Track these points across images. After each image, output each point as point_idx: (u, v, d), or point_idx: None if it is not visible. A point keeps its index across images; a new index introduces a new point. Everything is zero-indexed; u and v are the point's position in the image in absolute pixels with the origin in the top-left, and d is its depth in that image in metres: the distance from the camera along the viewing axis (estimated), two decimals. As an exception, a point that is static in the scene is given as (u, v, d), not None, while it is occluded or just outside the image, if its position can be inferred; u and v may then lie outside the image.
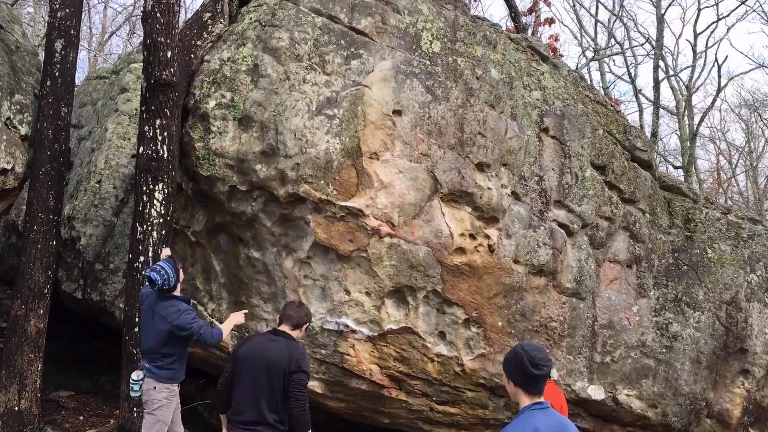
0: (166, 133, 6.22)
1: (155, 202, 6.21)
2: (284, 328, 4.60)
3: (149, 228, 6.19)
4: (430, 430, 7.33)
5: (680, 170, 22.03)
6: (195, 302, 7.01)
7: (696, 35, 23.78)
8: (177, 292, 5.21)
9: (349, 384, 6.74)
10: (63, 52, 7.33)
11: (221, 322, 6.84)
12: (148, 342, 5.19)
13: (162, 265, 5.10)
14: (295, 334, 4.61)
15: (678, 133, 23.02)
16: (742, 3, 22.09)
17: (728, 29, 36.86)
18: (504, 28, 8.35)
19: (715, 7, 30.74)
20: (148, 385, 5.14)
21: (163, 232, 6.26)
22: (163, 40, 6.19)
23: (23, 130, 7.23)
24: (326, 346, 6.55)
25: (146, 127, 6.23)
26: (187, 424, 7.60)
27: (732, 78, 27.06)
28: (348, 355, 6.53)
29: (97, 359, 9.41)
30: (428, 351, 6.56)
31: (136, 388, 5.19)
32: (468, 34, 6.95)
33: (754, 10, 28.84)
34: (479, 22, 7.32)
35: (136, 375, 5.22)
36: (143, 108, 6.34)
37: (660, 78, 21.86)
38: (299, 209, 6.20)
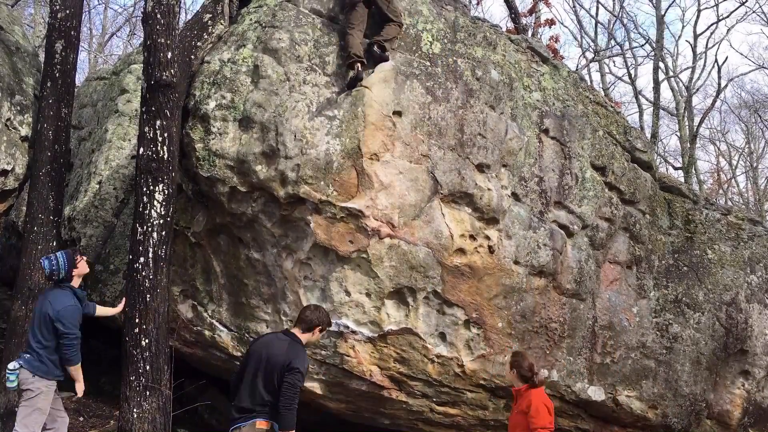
0: (166, 134, 6.22)
1: (155, 203, 6.21)
2: (295, 330, 4.91)
3: (149, 229, 6.19)
4: (429, 431, 7.33)
5: (680, 171, 22.05)
6: (195, 303, 7.01)
7: (696, 36, 23.83)
8: (75, 284, 5.55)
9: (349, 385, 6.74)
10: (63, 53, 7.34)
11: (221, 324, 6.86)
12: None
13: (56, 254, 5.48)
14: (305, 337, 4.87)
15: (678, 134, 23.05)
16: (742, 4, 22.17)
17: (728, 30, 37.01)
18: (504, 29, 8.35)
19: (714, 8, 30.75)
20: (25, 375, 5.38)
21: (163, 233, 6.25)
22: (163, 41, 6.19)
23: (23, 131, 7.24)
24: (326, 347, 6.55)
25: (146, 128, 6.24)
26: (187, 424, 7.61)
27: (732, 79, 26.95)
28: (348, 356, 6.52)
29: (96, 360, 9.41)
30: (428, 352, 6.56)
31: (12, 378, 5.37)
32: (468, 35, 6.95)
33: (754, 12, 28.89)
34: (479, 23, 7.33)
35: (12, 365, 5.41)
36: (143, 109, 6.34)
37: (660, 79, 21.90)
38: (299, 210, 6.21)
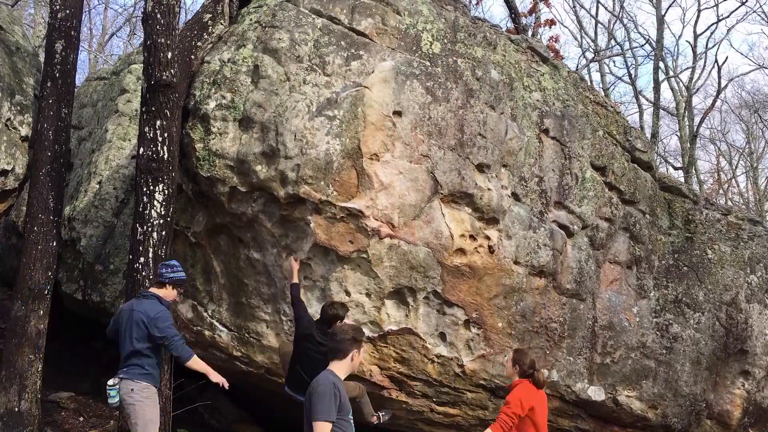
0: (166, 134, 6.22)
1: (155, 203, 6.21)
2: None
3: (149, 229, 6.19)
4: (430, 431, 7.33)
5: (680, 171, 22.05)
6: (195, 303, 7.01)
7: (696, 36, 23.84)
8: (163, 294, 5.37)
9: (348, 385, 6.73)
10: (63, 53, 7.34)
11: (221, 324, 6.86)
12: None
13: (175, 263, 5.50)
14: None
15: (678, 134, 23.05)
16: (743, 4, 22.15)
17: (728, 30, 36.99)
18: (504, 29, 8.35)
19: (715, 8, 30.76)
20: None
21: (164, 233, 6.26)
22: (163, 41, 6.19)
23: (23, 131, 7.25)
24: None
25: (146, 128, 6.24)
26: (187, 424, 7.61)
27: (732, 79, 26.90)
28: (348, 356, 6.52)
29: (97, 360, 9.41)
30: (428, 352, 6.56)
31: (113, 393, 5.15)
32: (468, 35, 6.95)
33: (754, 11, 28.89)
34: (479, 23, 7.32)
35: (111, 381, 5.18)
36: (143, 109, 6.34)
37: (660, 79, 21.88)
38: (299, 210, 6.20)
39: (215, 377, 5.31)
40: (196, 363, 5.28)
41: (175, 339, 5.21)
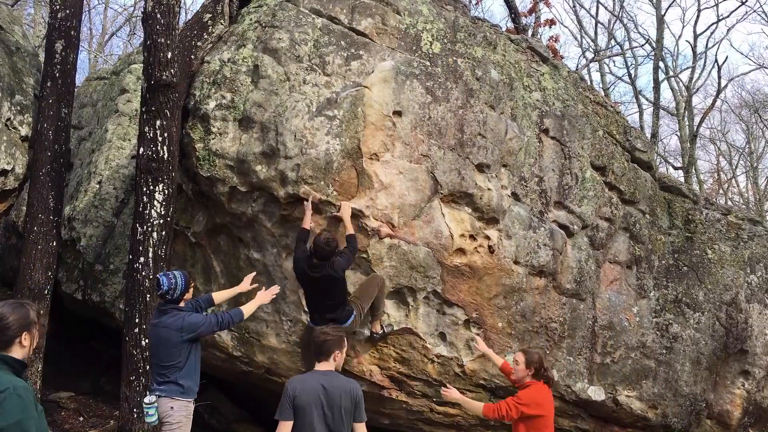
0: (166, 134, 6.23)
1: (155, 203, 6.21)
2: None
3: (149, 229, 6.19)
4: (430, 430, 7.33)
5: (680, 171, 22.04)
6: (195, 303, 7.01)
7: (696, 36, 23.84)
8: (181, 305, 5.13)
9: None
10: (63, 53, 7.34)
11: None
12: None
13: (175, 273, 5.07)
14: None
15: (678, 134, 23.04)
16: (743, 3, 22.15)
17: (728, 30, 36.94)
18: (504, 29, 8.35)
19: (714, 8, 30.75)
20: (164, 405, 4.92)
21: (163, 233, 6.26)
22: (163, 41, 6.19)
23: (23, 131, 7.24)
24: (326, 347, 6.54)
25: (146, 128, 6.24)
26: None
27: (732, 79, 26.90)
28: (348, 356, 6.52)
29: (97, 360, 9.42)
30: (428, 352, 6.56)
31: (151, 412, 4.94)
32: (468, 35, 6.95)
33: (754, 11, 28.87)
34: (479, 23, 7.32)
35: (148, 399, 4.97)
36: (143, 109, 6.34)
37: (660, 79, 21.88)
38: (299, 210, 6.20)
39: (267, 297, 5.42)
40: (250, 309, 5.30)
41: (221, 322, 5.10)
